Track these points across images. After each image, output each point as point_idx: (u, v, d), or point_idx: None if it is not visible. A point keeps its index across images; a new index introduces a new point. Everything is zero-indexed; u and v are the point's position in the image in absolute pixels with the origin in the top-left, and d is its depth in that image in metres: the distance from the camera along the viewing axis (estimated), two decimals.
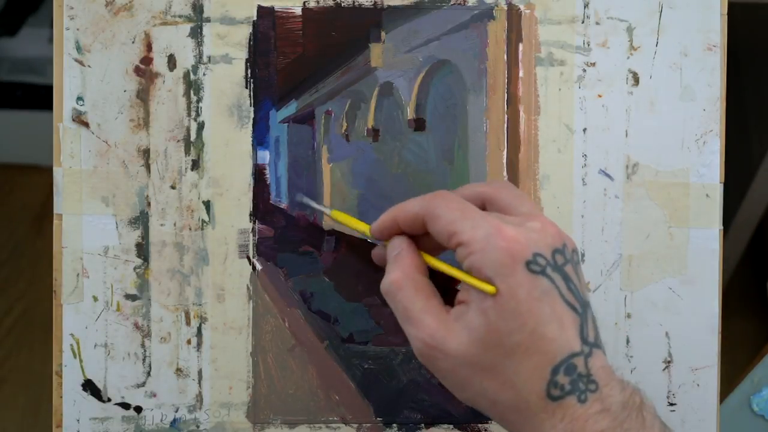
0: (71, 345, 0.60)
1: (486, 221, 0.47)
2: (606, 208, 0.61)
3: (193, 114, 0.60)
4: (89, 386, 0.61)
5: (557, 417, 0.45)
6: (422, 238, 0.52)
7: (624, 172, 0.61)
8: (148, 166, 0.60)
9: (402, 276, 0.49)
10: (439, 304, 0.48)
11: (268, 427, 0.61)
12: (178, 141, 0.60)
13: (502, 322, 0.45)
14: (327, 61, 0.61)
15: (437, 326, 0.47)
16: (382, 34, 0.60)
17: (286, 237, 0.61)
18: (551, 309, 0.46)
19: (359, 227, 0.56)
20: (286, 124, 0.61)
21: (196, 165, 0.60)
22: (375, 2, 0.60)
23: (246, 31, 0.60)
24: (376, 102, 0.61)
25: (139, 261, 0.60)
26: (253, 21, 0.60)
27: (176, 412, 0.61)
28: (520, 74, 0.60)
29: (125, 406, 0.61)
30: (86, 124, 0.60)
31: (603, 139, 0.61)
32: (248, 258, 0.61)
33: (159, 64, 0.60)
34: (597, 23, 0.60)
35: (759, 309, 1.47)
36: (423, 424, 0.61)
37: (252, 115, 0.60)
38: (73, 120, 0.60)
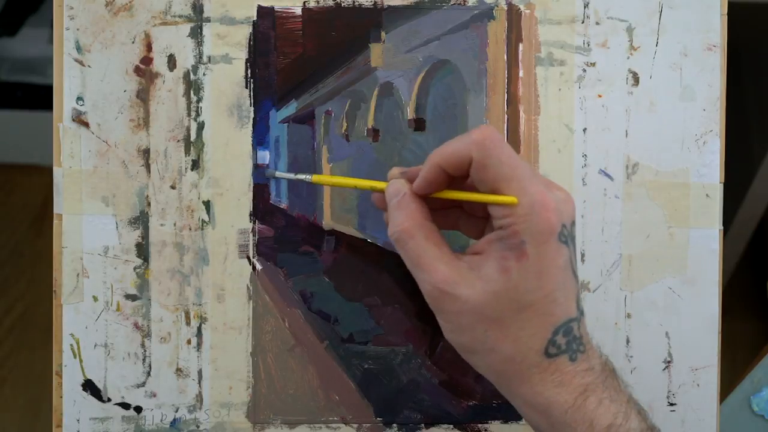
0: (71, 345, 0.60)
1: (532, 186, 0.48)
2: (606, 208, 0.61)
3: (193, 114, 0.60)
4: (89, 386, 0.61)
5: (548, 371, 0.49)
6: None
7: (624, 172, 0.61)
8: (148, 166, 0.60)
9: (411, 224, 0.50)
10: (451, 251, 0.50)
11: (268, 427, 0.61)
12: (178, 141, 0.60)
13: (522, 282, 0.48)
14: (327, 61, 0.61)
15: (449, 272, 0.49)
16: (382, 34, 0.60)
17: (286, 237, 0.61)
18: (565, 276, 0.49)
19: (350, 183, 0.56)
20: (286, 124, 0.61)
21: (196, 165, 0.60)
22: (375, 2, 0.60)
23: (246, 31, 0.60)
24: (376, 102, 0.61)
25: (139, 261, 0.60)
26: (253, 21, 0.60)
27: (176, 412, 0.61)
28: (520, 74, 0.60)
29: (125, 406, 0.61)
30: (86, 124, 0.60)
31: (603, 139, 0.61)
32: (248, 258, 0.61)
33: (159, 64, 0.60)
34: (597, 23, 0.60)
35: (759, 309, 1.47)
36: (423, 424, 0.61)
37: (252, 115, 0.60)
38: (73, 120, 0.60)
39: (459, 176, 0.51)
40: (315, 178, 0.57)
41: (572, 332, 0.49)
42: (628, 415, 0.49)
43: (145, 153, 0.60)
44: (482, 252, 0.50)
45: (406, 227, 0.50)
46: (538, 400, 0.49)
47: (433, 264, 0.49)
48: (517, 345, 0.49)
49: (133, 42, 0.60)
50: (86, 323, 0.60)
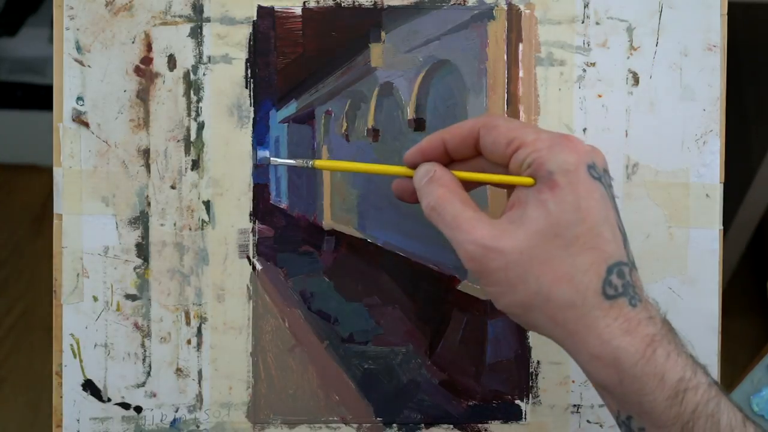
0: (71, 345, 0.60)
1: (547, 131, 0.49)
2: None
3: (193, 114, 0.60)
4: (89, 386, 0.61)
5: (611, 316, 0.47)
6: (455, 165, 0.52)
7: (624, 172, 0.61)
8: (148, 166, 0.60)
9: (446, 191, 0.50)
10: (487, 215, 0.49)
11: (268, 427, 0.61)
12: (178, 141, 0.60)
13: (561, 214, 0.47)
14: (327, 61, 0.61)
15: (490, 229, 0.48)
16: (382, 34, 0.60)
17: (286, 237, 0.61)
18: (606, 214, 0.47)
19: (358, 168, 0.55)
20: (286, 124, 0.61)
21: (196, 165, 0.60)
22: (375, 2, 0.60)
23: (246, 31, 0.60)
24: (376, 102, 0.61)
25: (139, 261, 0.60)
26: (253, 21, 0.60)
27: (176, 412, 0.61)
28: (520, 74, 0.60)
29: (125, 406, 0.61)
30: (86, 124, 0.60)
31: (603, 139, 0.61)
32: (248, 258, 0.61)
33: (159, 64, 0.60)
34: (597, 23, 0.60)
35: (759, 309, 1.47)
36: (423, 424, 0.61)
37: (252, 115, 0.60)
38: (73, 120, 0.60)
39: (456, 158, 0.51)
40: (318, 163, 0.55)
41: (625, 277, 0.47)
42: (695, 370, 0.47)
43: (145, 153, 0.60)
44: (516, 203, 0.49)
45: (441, 194, 0.50)
46: (606, 350, 0.46)
47: (472, 223, 0.48)
48: (573, 285, 0.47)
49: (133, 42, 0.60)
50: (86, 323, 0.60)
